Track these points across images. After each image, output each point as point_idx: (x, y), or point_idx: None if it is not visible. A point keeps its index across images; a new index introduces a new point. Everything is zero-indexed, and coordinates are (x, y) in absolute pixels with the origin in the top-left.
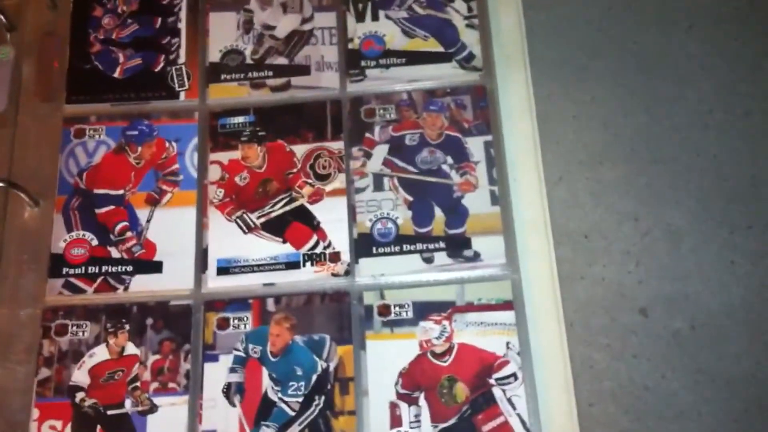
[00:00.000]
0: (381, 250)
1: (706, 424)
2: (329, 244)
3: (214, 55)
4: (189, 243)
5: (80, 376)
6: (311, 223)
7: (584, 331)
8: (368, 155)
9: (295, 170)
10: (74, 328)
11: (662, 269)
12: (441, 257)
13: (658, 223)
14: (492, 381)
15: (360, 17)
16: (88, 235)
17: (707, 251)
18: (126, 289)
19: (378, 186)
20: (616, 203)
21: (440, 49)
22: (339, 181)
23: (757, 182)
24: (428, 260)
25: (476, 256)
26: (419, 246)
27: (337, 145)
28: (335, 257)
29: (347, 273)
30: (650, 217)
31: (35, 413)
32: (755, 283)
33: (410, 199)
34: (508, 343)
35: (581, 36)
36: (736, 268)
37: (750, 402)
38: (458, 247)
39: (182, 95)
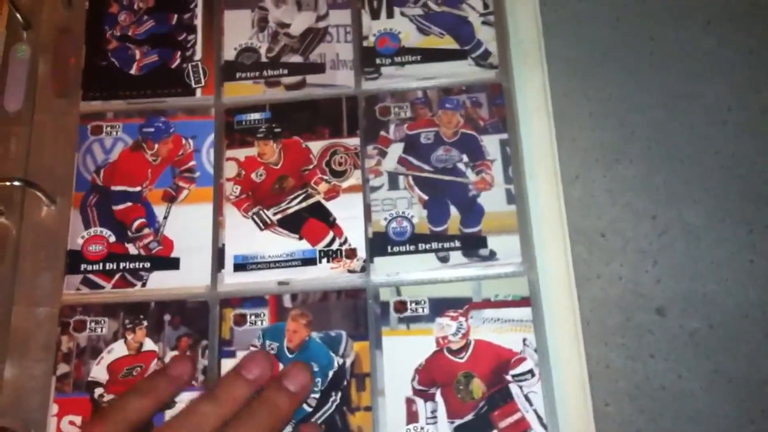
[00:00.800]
0: (396, 249)
1: (723, 424)
2: (345, 241)
3: (229, 54)
4: (205, 239)
5: (99, 371)
6: (327, 220)
7: (600, 331)
8: (383, 154)
9: (311, 167)
10: (92, 324)
11: (679, 268)
12: (456, 256)
13: (676, 221)
14: (509, 377)
15: (375, 14)
16: (106, 232)
17: (725, 250)
18: (144, 285)
19: (393, 185)
20: (633, 202)
21: (456, 46)
22: (355, 178)
23: None
24: (444, 259)
25: (492, 255)
26: (434, 245)
27: (353, 142)
28: (351, 253)
29: (363, 269)
30: (668, 216)
31: (54, 408)
32: None
33: (425, 197)
34: (524, 340)
35: (598, 33)
36: (755, 267)
37: (767, 403)
38: (474, 246)
39: (198, 92)
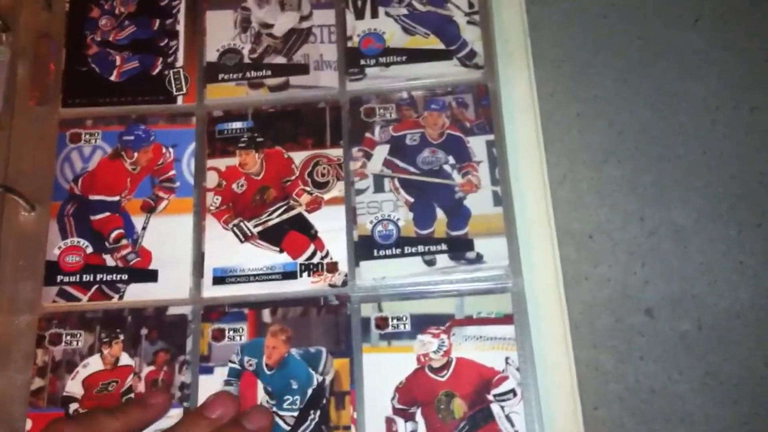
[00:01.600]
0: (382, 252)
1: (714, 427)
2: (327, 254)
3: (211, 55)
4: (185, 251)
5: (74, 386)
6: (309, 233)
7: (589, 333)
8: (368, 156)
9: (293, 178)
10: (68, 337)
11: (668, 269)
12: (443, 259)
13: (665, 222)
14: (490, 397)
15: (359, 14)
16: (83, 243)
17: (715, 251)
18: (121, 298)
19: (378, 187)
20: (621, 202)
21: (441, 46)
22: (338, 190)
23: (765, 179)
24: (430, 263)
25: (479, 258)
26: (421, 248)
27: (336, 153)
28: (333, 267)
29: (345, 284)
30: (656, 217)
31: (28, 424)
32: (764, 283)
33: (411, 200)
34: (507, 358)
35: (585, 31)
36: (745, 267)
37: (759, 404)
38: (460, 249)
39: (180, 100)
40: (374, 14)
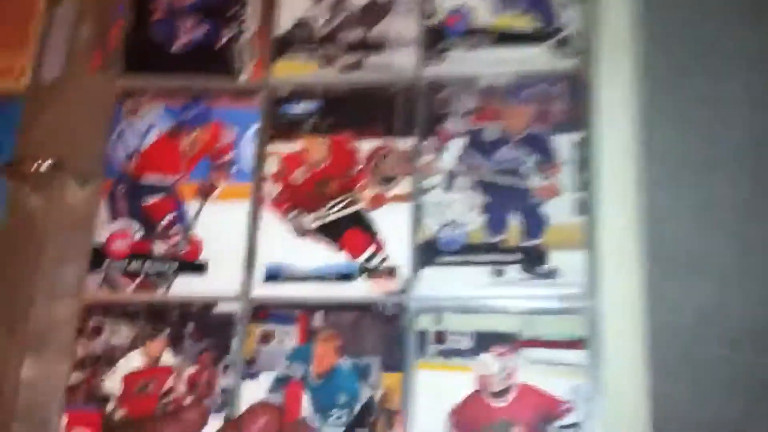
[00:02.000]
0: (446, 259)
1: None
2: (386, 256)
3: (282, 27)
4: (238, 244)
5: (112, 383)
6: (370, 231)
7: (666, 361)
8: (441, 150)
9: (357, 170)
10: (110, 329)
11: (763, 294)
12: (513, 271)
13: (764, 241)
14: (553, 429)
15: None
16: (135, 226)
17: None
18: (168, 290)
19: (448, 186)
20: (717, 218)
21: (534, 28)
22: (404, 186)
23: None
24: (499, 274)
25: (553, 273)
26: (489, 257)
27: (406, 143)
28: (392, 272)
29: (403, 291)
30: (755, 235)
31: (64, 419)
32: None
33: (484, 202)
34: (575, 387)
35: (702, 24)
36: None
37: None
38: (533, 260)
39: (245, 75)
40: None
